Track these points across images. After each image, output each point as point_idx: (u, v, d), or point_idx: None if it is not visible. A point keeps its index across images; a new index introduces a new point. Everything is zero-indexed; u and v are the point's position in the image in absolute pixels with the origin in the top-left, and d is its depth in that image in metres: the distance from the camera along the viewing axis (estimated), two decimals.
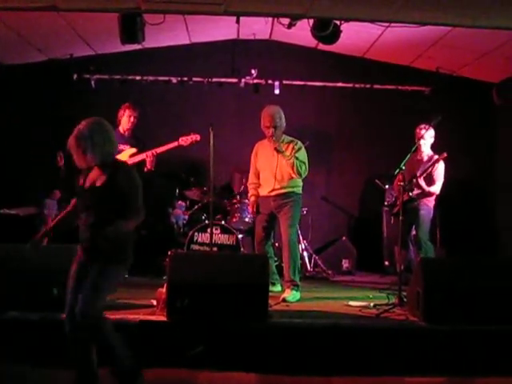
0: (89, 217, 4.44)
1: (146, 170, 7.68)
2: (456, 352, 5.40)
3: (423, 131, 7.41)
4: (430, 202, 7.47)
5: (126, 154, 7.71)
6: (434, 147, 7.57)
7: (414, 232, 7.60)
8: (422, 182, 7.31)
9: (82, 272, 4.46)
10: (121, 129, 7.88)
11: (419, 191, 7.33)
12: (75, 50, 8.82)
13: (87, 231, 4.46)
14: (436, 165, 7.37)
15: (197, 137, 7.64)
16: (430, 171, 7.37)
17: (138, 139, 7.93)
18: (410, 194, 7.26)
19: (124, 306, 5.95)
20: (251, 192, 7.25)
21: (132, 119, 7.85)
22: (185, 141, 7.65)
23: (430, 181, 7.38)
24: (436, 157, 7.39)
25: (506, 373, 5.28)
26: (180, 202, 8.65)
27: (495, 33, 6.89)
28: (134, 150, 7.74)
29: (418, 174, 7.29)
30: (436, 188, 7.41)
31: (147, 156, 7.62)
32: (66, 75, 9.02)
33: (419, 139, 7.40)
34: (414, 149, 6.98)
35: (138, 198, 4.40)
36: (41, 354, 5.12)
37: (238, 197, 8.63)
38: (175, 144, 7.66)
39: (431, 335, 5.48)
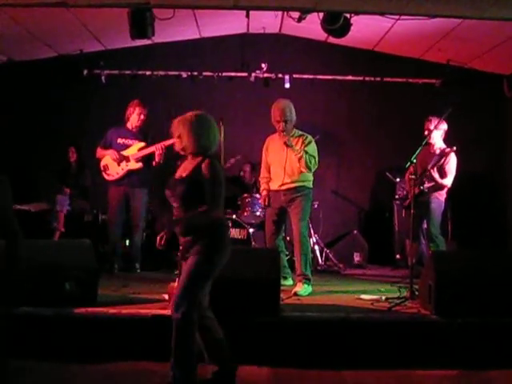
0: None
1: (154, 163, 7.76)
2: (468, 345, 5.38)
3: (432, 124, 7.39)
4: (441, 195, 7.44)
5: (135, 148, 7.78)
6: (445, 140, 7.54)
7: (425, 225, 7.60)
8: (435, 174, 7.27)
9: None
10: (129, 125, 7.96)
11: (430, 184, 7.30)
12: (85, 45, 8.84)
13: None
14: (447, 157, 7.34)
15: None
16: (442, 164, 7.35)
17: (146, 134, 7.98)
18: (421, 187, 7.24)
19: (136, 301, 5.96)
20: (263, 186, 7.24)
21: (142, 117, 7.91)
22: None
23: (442, 173, 7.35)
24: (448, 150, 7.37)
25: None
26: None
27: (505, 24, 6.87)
28: (142, 143, 7.84)
29: (429, 167, 7.27)
30: (448, 181, 7.38)
31: (156, 149, 7.67)
32: (77, 71, 9.06)
33: (429, 132, 7.38)
34: (424, 142, 6.95)
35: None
36: (54, 349, 5.14)
37: (251, 190, 8.64)
38: None
39: (443, 328, 5.46)
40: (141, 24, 6.53)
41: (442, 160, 7.35)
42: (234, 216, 8.39)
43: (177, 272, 6.01)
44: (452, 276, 5.59)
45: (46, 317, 5.26)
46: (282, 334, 5.39)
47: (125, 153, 7.85)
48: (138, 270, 7.94)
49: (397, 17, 7.33)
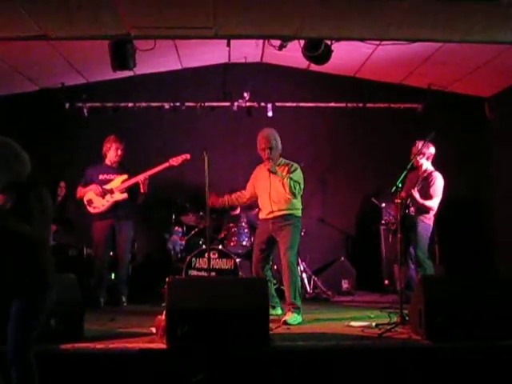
0: None
1: (140, 193, 7.76)
2: (460, 369, 5.34)
3: (417, 148, 7.42)
4: (428, 218, 7.43)
5: (118, 181, 7.77)
6: (433, 163, 7.55)
7: (412, 250, 7.57)
8: (416, 194, 7.25)
9: None
10: (108, 161, 7.99)
11: (415, 207, 7.28)
12: (66, 78, 8.80)
13: None
14: (431, 179, 7.36)
15: (187, 156, 7.69)
16: (427, 185, 7.35)
17: (124, 166, 8.02)
18: (407, 211, 7.23)
19: (123, 335, 5.88)
20: (231, 195, 7.38)
21: (119, 152, 7.95)
22: (175, 161, 7.70)
23: (427, 195, 7.35)
24: (436, 175, 7.39)
25: None
26: (177, 228, 8.61)
27: (485, 47, 6.96)
28: (125, 175, 7.85)
29: (412, 189, 7.26)
30: (432, 203, 7.36)
31: (140, 180, 7.67)
32: (58, 104, 9.01)
33: (417, 155, 7.39)
34: (409, 165, 6.94)
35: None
36: None
37: (237, 220, 8.62)
38: (166, 165, 7.72)
39: (435, 353, 5.42)
40: (122, 55, 6.54)
41: (427, 182, 7.36)
42: (221, 246, 8.33)
43: (163, 304, 5.94)
44: (442, 300, 5.57)
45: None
46: (272, 365, 5.32)
47: (108, 186, 7.82)
48: (125, 304, 7.86)
49: (377, 43, 7.39)
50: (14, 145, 4.50)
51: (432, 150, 7.54)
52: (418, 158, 7.45)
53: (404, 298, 6.45)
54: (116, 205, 7.80)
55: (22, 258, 4.23)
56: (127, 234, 7.95)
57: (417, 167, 7.53)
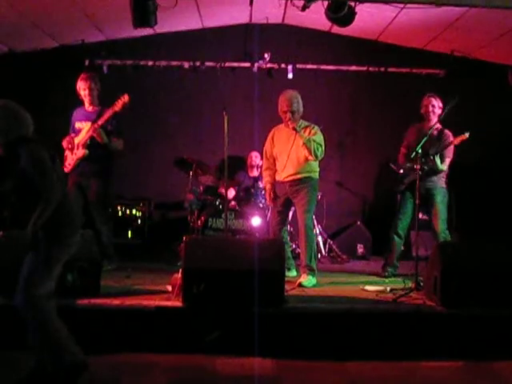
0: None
1: (100, 146, 7.19)
2: (473, 336, 5.37)
3: (434, 101, 7.31)
4: (446, 184, 7.32)
5: (84, 132, 7.26)
6: (450, 129, 7.44)
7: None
8: (437, 159, 7.04)
9: None
10: (86, 105, 7.43)
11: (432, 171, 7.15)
12: (87, 35, 8.78)
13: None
14: (448, 139, 7.22)
15: (124, 97, 7.14)
16: (441, 145, 7.20)
17: (100, 112, 7.29)
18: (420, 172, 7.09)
19: (139, 292, 5.94)
20: (266, 179, 7.19)
21: (83, 92, 7.33)
22: (117, 106, 7.13)
23: (442, 157, 7.16)
24: (449, 134, 7.27)
25: None
26: (194, 188, 8.61)
27: (510, 13, 6.82)
28: (88, 124, 7.25)
29: (431, 152, 7.10)
30: (445, 165, 7.26)
31: (92, 133, 7.12)
32: (78, 61, 8.99)
33: (428, 110, 7.31)
34: (430, 131, 6.85)
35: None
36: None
37: (253, 181, 8.64)
38: (111, 111, 7.12)
39: (448, 320, 5.45)
40: (143, 12, 6.47)
41: (441, 141, 7.25)
42: (237, 207, 8.35)
43: (180, 263, 5.99)
44: (458, 267, 5.58)
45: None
46: (287, 326, 5.37)
47: (76, 140, 7.26)
48: (110, 267, 7.24)
49: (401, 6, 7.26)
50: (14, 106, 4.46)
51: (440, 103, 7.36)
52: (433, 113, 7.32)
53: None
54: (79, 163, 7.22)
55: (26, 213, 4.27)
56: (95, 192, 7.26)
57: (425, 120, 7.40)
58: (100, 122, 7.09)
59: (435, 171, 7.17)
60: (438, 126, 7.37)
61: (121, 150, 7.41)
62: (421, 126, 7.40)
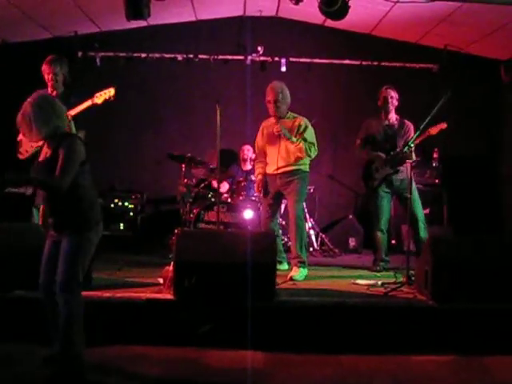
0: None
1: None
2: (464, 330, 5.38)
3: (391, 93, 7.37)
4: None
5: None
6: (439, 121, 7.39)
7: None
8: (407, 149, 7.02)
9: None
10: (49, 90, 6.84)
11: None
12: (80, 27, 8.74)
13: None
14: (410, 128, 7.31)
15: (110, 91, 6.63)
16: (405, 135, 7.27)
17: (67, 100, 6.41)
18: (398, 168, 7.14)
19: (131, 285, 5.95)
20: (258, 171, 7.20)
21: (46, 76, 6.80)
22: (98, 97, 6.58)
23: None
24: (410, 123, 7.32)
25: None
26: (186, 181, 8.60)
27: (503, 9, 6.83)
28: None
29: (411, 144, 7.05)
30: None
31: None
32: (71, 53, 8.94)
33: (388, 101, 7.36)
34: (422, 127, 6.82)
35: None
36: (47, 333, 5.11)
37: (245, 174, 8.63)
38: (89, 103, 6.57)
39: (439, 314, 5.46)
40: (137, 4, 6.46)
41: (404, 131, 7.32)
42: (230, 200, 8.35)
43: (171, 256, 5.99)
44: (449, 261, 5.58)
45: (40, 300, 5.22)
46: (278, 319, 5.38)
47: None
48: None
49: (395, 0, 7.27)
50: (52, 100, 4.61)
51: (397, 95, 7.45)
52: (392, 104, 7.38)
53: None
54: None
55: (60, 204, 4.43)
56: None
57: (384, 112, 7.45)
58: (73, 113, 6.40)
59: (403, 162, 7.14)
60: (397, 116, 7.47)
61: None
62: (378, 118, 7.41)
